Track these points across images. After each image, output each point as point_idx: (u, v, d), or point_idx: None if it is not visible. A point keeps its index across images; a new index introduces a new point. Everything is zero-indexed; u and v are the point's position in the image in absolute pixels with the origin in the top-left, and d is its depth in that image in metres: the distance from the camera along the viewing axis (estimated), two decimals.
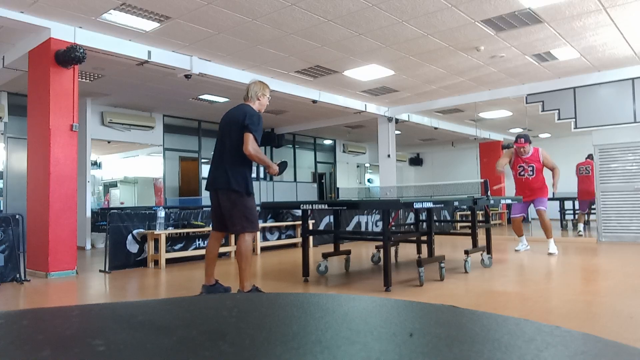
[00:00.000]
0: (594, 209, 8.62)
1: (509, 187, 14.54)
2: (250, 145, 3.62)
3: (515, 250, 6.66)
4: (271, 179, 13.49)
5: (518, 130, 13.84)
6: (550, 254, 6.15)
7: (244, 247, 3.67)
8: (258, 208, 4.51)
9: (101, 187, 13.96)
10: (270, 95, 4.03)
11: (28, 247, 5.49)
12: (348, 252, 5.24)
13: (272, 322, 0.65)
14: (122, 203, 11.47)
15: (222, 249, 6.65)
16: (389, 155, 10.95)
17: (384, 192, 10.87)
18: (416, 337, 0.57)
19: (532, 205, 6.48)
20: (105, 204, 11.48)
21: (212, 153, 3.95)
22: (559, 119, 8.43)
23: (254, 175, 13.33)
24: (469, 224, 5.41)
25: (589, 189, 9.01)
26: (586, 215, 10.74)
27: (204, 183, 11.51)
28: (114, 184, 13.82)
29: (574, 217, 10.96)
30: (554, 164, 6.41)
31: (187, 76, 6.92)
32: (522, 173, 6.44)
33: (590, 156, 9.38)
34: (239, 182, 3.70)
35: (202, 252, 6.41)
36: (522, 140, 6.33)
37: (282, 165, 4.14)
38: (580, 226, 9.43)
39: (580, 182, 9.40)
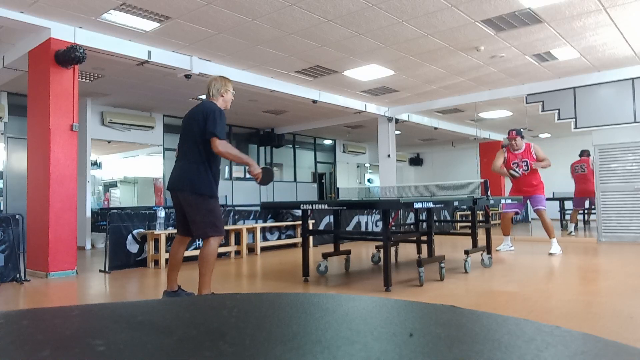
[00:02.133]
0: (594, 208, 8.62)
1: (508, 186, 14.56)
2: (219, 146, 3.42)
3: (497, 250, 6.52)
4: None
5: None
6: (551, 254, 6.10)
7: (207, 252, 3.49)
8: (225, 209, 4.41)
9: (101, 187, 13.96)
10: (234, 90, 3.82)
11: (28, 247, 5.49)
12: (348, 252, 5.24)
13: (272, 322, 0.65)
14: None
15: (222, 249, 6.66)
16: (389, 155, 10.95)
17: (384, 192, 10.87)
18: (416, 337, 0.57)
19: (529, 204, 6.43)
20: (104, 204, 11.47)
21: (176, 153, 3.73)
22: (559, 119, 8.43)
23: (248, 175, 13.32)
24: (469, 224, 5.40)
25: (586, 188, 8.98)
26: (585, 215, 10.74)
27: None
28: (114, 184, 13.82)
29: (566, 216, 10.98)
30: (546, 156, 6.39)
31: (187, 76, 6.92)
32: (517, 169, 6.43)
33: (583, 152, 9.38)
34: (202, 184, 3.45)
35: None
36: (514, 132, 6.32)
37: (267, 173, 3.89)
38: (572, 226, 9.39)
39: (577, 182, 9.32)
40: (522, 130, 6.47)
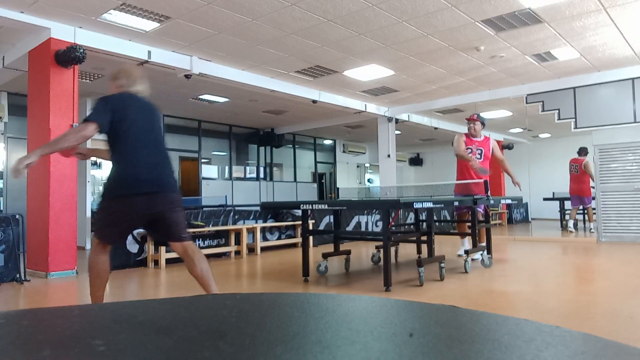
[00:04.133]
0: (594, 209, 8.63)
1: (509, 186, 14.55)
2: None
3: (458, 256, 5.82)
4: (271, 179, 13.50)
5: (518, 130, 13.85)
6: (459, 255, 5.69)
7: (200, 253, 3.12)
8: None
9: (101, 187, 13.93)
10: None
11: (28, 247, 5.48)
12: (348, 252, 5.24)
13: (272, 322, 0.65)
14: None
15: (223, 249, 6.67)
16: (389, 155, 10.95)
17: (384, 192, 10.87)
18: (416, 337, 0.57)
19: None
20: None
21: (136, 143, 2.90)
22: (559, 119, 8.43)
23: (253, 175, 13.35)
24: (469, 224, 5.40)
25: (577, 187, 9.34)
26: (584, 215, 10.79)
27: (204, 183, 11.64)
28: None
29: (566, 216, 11.05)
30: (502, 154, 6.14)
31: (187, 76, 6.92)
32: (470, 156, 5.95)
33: (581, 151, 9.47)
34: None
35: (202, 252, 6.40)
36: (475, 115, 5.97)
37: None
38: (571, 223, 9.52)
39: (571, 180, 9.66)
40: (485, 118, 6.13)
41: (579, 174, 9.32)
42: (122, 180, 2.88)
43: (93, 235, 3.14)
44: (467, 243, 5.71)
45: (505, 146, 15.07)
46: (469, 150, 5.86)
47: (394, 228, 5.99)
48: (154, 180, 2.89)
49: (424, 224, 6.53)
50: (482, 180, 5.54)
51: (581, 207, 9.72)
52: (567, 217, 10.98)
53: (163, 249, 5.82)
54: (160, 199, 2.91)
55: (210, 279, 3.17)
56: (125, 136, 2.87)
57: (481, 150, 5.89)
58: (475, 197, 5.21)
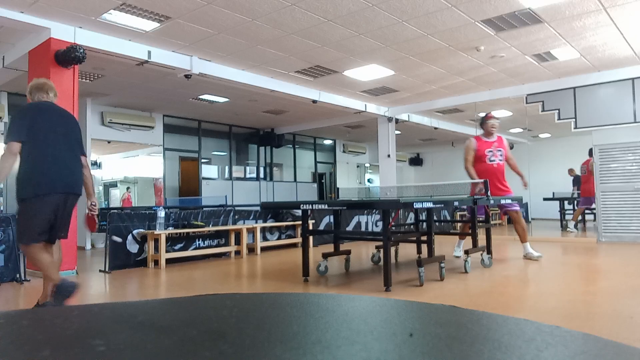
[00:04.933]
0: (594, 209, 8.65)
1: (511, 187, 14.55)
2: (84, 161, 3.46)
3: (456, 257, 5.80)
4: (271, 179, 13.50)
5: (518, 130, 13.85)
6: (528, 255, 5.65)
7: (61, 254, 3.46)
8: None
9: (101, 187, 13.95)
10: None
11: None
12: (348, 252, 5.24)
13: (272, 322, 0.65)
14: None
15: (223, 249, 6.67)
16: (389, 155, 10.95)
17: (384, 192, 10.87)
18: (416, 337, 0.57)
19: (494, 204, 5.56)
20: (122, 203, 11.34)
21: (48, 146, 3.30)
22: (559, 119, 8.43)
23: (253, 175, 13.35)
24: (469, 224, 5.40)
25: (586, 188, 9.42)
26: (594, 215, 10.86)
27: (204, 183, 11.64)
28: (114, 184, 13.81)
29: (566, 216, 11.13)
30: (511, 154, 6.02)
31: (187, 76, 6.92)
32: (493, 158, 5.71)
33: (590, 151, 9.53)
34: None
35: (202, 252, 6.42)
36: (494, 113, 5.87)
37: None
38: (572, 224, 9.59)
39: (582, 182, 9.83)
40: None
41: (587, 174, 9.37)
42: (38, 181, 3.27)
43: (28, 240, 3.30)
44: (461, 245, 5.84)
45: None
46: (490, 153, 5.71)
47: (394, 228, 5.99)
48: (68, 182, 3.27)
49: (424, 224, 6.53)
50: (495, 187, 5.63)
51: (592, 207, 9.79)
52: (566, 217, 11.00)
53: (163, 249, 5.83)
54: (71, 200, 3.31)
55: (56, 268, 3.35)
56: (39, 141, 3.24)
57: (501, 151, 5.75)
58: (489, 198, 5.25)
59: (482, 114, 6.09)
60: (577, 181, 11.21)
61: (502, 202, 5.87)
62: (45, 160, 3.31)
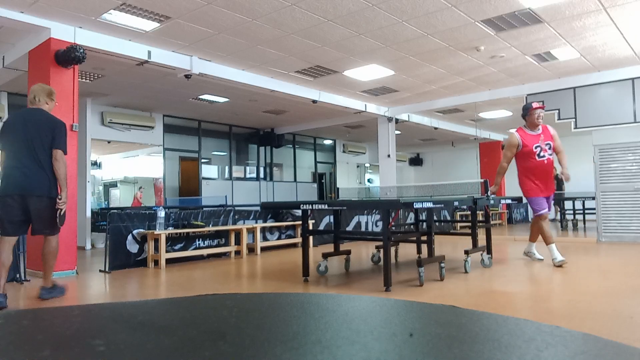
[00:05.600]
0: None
1: (509, 187, 14.56)
2: (61, 159, 3.76)
3: (561, 263, 5.06)
4: (271, 179, 13.50)
5: None
6: (558, 261, 5.05)
7: (55, 247, 3.90)
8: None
9: (101, 187, 13.95)
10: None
11: (28, 247, 5.48)
12: (348, 252, 5.24)
13: (272, 322, 0.65)
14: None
15: (223, 249, 6.67)
16: (389, 155, 10.96)
17: (384, 192, 10.87)
18: (416, 337, 0.57)
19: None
20: (135, 202, 11.31)
21: (9, 153, 3.76)
22: (559, 119, 8.43)
23: (253, 175, 13.34)
24: (469, 224, 5.41)
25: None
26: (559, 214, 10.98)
27: (204, 183, 11.63)
28: (114, 184, 13.82)
29: (567, 216, 11.18)
30: (561, 145, 5.24)
31: (187, 76, 6.92)
32: (543, 154, 5.03)
33: None
34: (55, 188, 3.78)
35: (202, 252, 6.42)
36: (542, 104, 5.19)
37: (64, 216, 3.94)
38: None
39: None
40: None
41: None
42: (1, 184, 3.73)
43: (56, 231, 3.87)
44: (555, 249, 5.15)
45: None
46: (539, 148, 5.02)
47: (394, 228, 5.99)
48: (21, 184, 3.66)
49: (424, 224, 6.53)
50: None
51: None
52: (567, 216, 11.02)
53: (163, 249, 5.83)
54: (32, 200, 3.68)
55: (51, 261, 3.93)
56: (5, 149, 3.79)
57: (549, 144, 5.05)
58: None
59: (525, 104, 5.36)
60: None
61: (502, 202, 5.89)
62: (7, 165, 3.77)
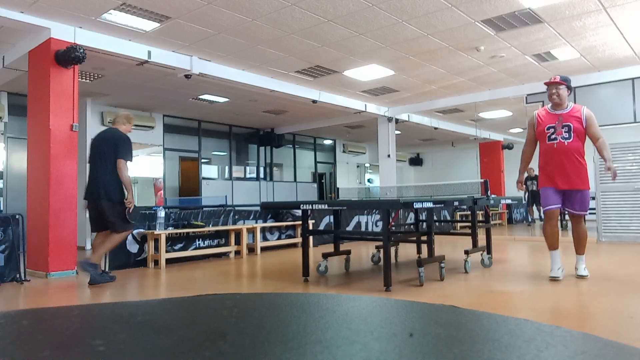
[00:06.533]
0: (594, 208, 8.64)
1: (508, 186, 14.56)
2: (125, 170, 4.57)
3: (552, 279, 4.28)
4: (271, 179, 13.50)
5: (518, 130, 13.85)
6: (550, 276, 4.31)
7: (115, 241, 4.62)
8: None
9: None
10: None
11: (28, 247, 5.48)
12: (348, 252, 5.24)
13: (272, 322, 0.65)
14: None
15: (223, 249, 6.67)
16: (389, 155, 10.96)
17: (384, 192, 10.87)
18: (416, 337, 0.57)
19: (562, 198, 4.25)
20: (160, 200, 11.21)
21: (90, 166, 4.70)
22: None
23: (253, 175, 13.35)
24: (469, 224, 5.41)
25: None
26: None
27: (204, 183, 11.64)
28: None
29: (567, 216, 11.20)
30: (600, 133, 4.21)
31: (187, 76, 6.92)
32: (554, 137, 4.20)
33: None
34: (117, 193, 4.59)
35: (202, 252, 6.42)
36: (558, 77, 4.40)
37: (136, 211, 5.09)
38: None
39: None
40: (570, 79, 4.45)
41: None
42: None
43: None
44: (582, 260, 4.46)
45: (505, 146, 15.08)
46: (551, 130, 4.22)
47: (394, 228, 5.99)
48: (88, 191, 4.59)
49: (424, 224, 6.53)
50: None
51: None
52: (567, 216, 11.01)
53: (163, 249, 5.83)
54: (97, 202, 4.50)
55: (100, 250, 4.62)
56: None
57: (569, 126, 4.16)
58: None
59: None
60: None
61: (503, 202, 5.81)
62: (88, 176, 4.69)
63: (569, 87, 4.35)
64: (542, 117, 4.36)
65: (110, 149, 4.50)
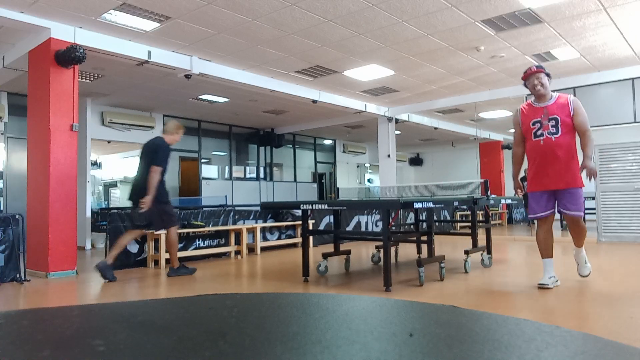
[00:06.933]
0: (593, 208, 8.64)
1: (508, 187, 14.55)
2: (155, 175, 4.90)
3: (540, 286, 3.93)
4: (271, 179, 13.50)
5: None
6: (539, 283, 3.96)
7: (171, 239, 5.08)
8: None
9: (101, 187, 13.94)
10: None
11: (28, 247, 5.48)
12: (348, 252, 5.24)
13: (272, 322, 0.65)
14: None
15: (223, 249, 6.67)
16: (389, 155, 10.96)
17: (384, 192, 10.87)
18: (416, 337, 0.57)
19: (556, 200, 3.89)
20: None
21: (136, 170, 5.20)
22: None
23: (253, 175, 13.35)
24: (469, 224, 5.41)
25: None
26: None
27: (204, 183, 11.63)
28: (114, 184, 13.81)
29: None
30: (587, 125, 3.82)
31: (187, 76, 6.92)
32: (540, 132, 3.82)
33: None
34: (156, 195, 4.94)
35: (202, 252, 6.42)
36: (534, 67, 3.92)
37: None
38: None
39: None
40: (549, 71, 3.98)
41: None
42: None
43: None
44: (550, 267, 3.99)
45: (506, 146, 15.08)
46: (537, 125, 3.83)
47: (394, 228, 5.99)
48: (131, 192, 5.03)
49: (424, 224, 6.53)
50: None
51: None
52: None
53: (163, 249, 5.83)
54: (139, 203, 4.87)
55: (172, 248, 5.12)
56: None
57: (556, 119, 3.77)
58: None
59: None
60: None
61: (503, 202, 5.81)
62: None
63: (548, 75, 3.92)
64: (526, 112, 3.96)
65: (151, 155, 4.94)
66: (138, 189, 4.93)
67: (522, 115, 3.99)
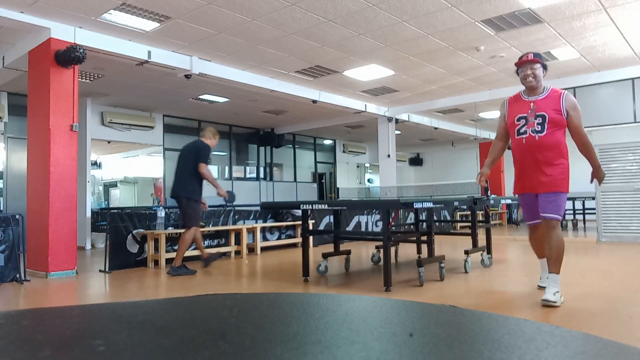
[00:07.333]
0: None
1: (508, 187, 14.54)
2: (206, 171, 5.22)
3: (540, 288, 3.83)
4: (271, 179, 13.50)
5: None
6: (547, 301, 3.31)
7: (186, 238, 5.16)
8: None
9: (101, 187, 13.94)
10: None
11: (28, 247, 5.49)
12: (348, 252, 5.24)
13: (272, 322, 0.65)
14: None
15: (223, 249, 6.67)
16: (389, 155, 10.96)
17: (384, 192, 10.87)
18: (416, 337, 0.57)
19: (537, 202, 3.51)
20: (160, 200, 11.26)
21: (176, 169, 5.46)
22: None
23: (253, 175, 13.35)
24: (469, 224, 5.41)
25: None
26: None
27: (204, 183, 11.62)
28: (114, 184, 13.81)
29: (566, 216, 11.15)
30: (583, 130, 3.42)
31: (187, 76, 6.92)
32: (523, 130, 3.45)
33: None
34: (192, 192, 5.21)
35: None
36: (531, 55, 3.47)
37: (231, 194, 5.57)
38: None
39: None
40: (546, 59, 3.63)
41: None
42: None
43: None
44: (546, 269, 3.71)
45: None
46: (522, 121, 3.44)
47: (394, 228, 5.99)
48: (172, 188, 5.31)
49: (424, 224, 6.53)
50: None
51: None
52: (566, 217, 11.04)
53: (163, 249, 5.83)
54: (179, 200, 5.19)
55: (182, 247, 5.21)
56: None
57: (543, 116, 3.37)
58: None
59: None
60: None
61: (502, 202, 5.81)
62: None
63: (544, 67, 3.49)
64: (513, 105, 3.55)
65: (193, 156, 5.21)
66: (178, 185, 5.23)
67: (508, 107, 3.60)
